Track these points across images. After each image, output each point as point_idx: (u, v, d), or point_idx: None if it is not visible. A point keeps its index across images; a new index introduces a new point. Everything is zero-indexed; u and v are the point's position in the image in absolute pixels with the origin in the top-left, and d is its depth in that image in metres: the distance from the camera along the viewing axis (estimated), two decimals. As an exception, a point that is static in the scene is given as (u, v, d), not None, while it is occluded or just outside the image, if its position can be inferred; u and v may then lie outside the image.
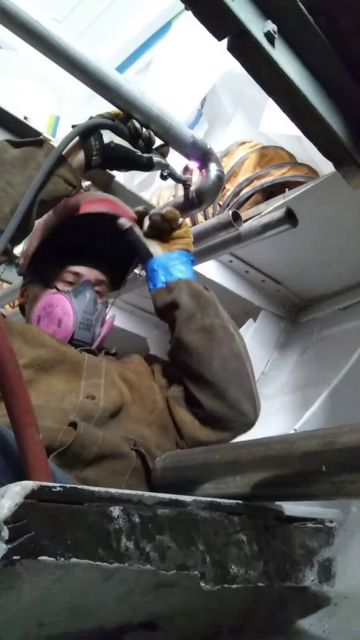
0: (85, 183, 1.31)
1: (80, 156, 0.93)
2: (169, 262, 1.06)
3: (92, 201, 1.08)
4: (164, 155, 1.04)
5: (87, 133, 0.93)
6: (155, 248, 1.07)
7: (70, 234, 1.06)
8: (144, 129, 0.99)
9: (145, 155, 0.99)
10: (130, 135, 0.97)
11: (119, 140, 0.96)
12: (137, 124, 0.97)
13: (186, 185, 1.11)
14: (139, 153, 0.98)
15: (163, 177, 1.05)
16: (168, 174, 1.04)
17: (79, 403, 0.88)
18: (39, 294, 1.08)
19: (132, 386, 0.98)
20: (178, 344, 1.00)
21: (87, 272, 1.08)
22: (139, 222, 1.09)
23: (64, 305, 1.03)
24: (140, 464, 0.84)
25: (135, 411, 0.93)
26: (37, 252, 1.10)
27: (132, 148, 0.97)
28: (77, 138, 0.92)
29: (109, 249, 1.10)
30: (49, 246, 1.08)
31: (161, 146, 1.03)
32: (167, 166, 1.04)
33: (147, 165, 1.00)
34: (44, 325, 1.04)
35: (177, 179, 1.08)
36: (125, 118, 0.98)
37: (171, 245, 1.08)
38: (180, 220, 1.09)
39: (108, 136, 0.95)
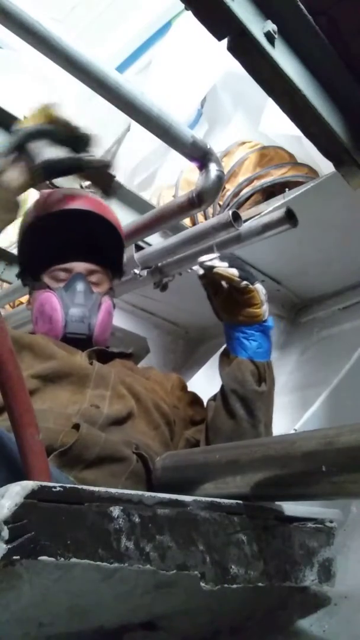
0: (85, 183, 1.31)
1: (18, 177, 0.85)
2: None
3: (74, 198, 1.08)
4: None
5: (18, 148, 0.85)
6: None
7: (53, 232, 1.05)
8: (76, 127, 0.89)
9: (84, 155, 0.91)
10: (65, 138, 0.89)
11: (53, 151, 0.87)
12: (68, 123, 0.88)
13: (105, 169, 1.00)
14: (78, 155, 0.90)
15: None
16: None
17: (82, 409, 0.88)
18: (35, 297, 1.08)
19: (138, 399, 0.96)
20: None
21: (77, 265, 1.07)
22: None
23: (51, 302, 1.03)
24: (139, 467, 0.84)
25: (140, 424, 0.93)
26: (26, 257, 1.10)
27: (69, 153, 0.89)
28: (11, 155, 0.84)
29: (96, 242, 1.10)
30: (37, 248, 1.08)
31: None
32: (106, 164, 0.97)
33: (90, 167, 0.93)
34: (40, 325, 1.04)
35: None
36: (54, 120, 0.88)
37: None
38: (244, 283, 0.91)
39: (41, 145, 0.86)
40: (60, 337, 1.01)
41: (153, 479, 0.81)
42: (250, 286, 0.91)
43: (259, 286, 0.93)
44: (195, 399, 1.10)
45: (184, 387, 1.11)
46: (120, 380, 0.97)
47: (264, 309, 0.94)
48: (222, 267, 0.90)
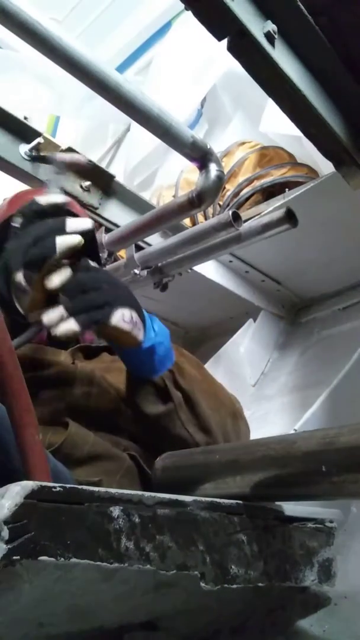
0: (85, 183, 1.31)
1: None
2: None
3: (28, 195, 1.07)
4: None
5: None
6: None
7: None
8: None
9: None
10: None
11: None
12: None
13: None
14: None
15: None
16: None
17: (68, 406, 0.88)
18: None
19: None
20: None
21: None
22: None
23: None
24: (133, 464, 0.84)
25: (127, 420, 0.93)
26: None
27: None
28: None
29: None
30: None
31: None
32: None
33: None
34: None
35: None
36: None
37: None
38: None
39: None
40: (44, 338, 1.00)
41: (153, 479, 0.82)
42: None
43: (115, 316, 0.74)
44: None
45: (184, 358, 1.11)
46: (105, 374, 0.97)
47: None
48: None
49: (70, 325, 0.69)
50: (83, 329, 0.71)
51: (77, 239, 0.71)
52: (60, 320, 0.69)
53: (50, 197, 0.75)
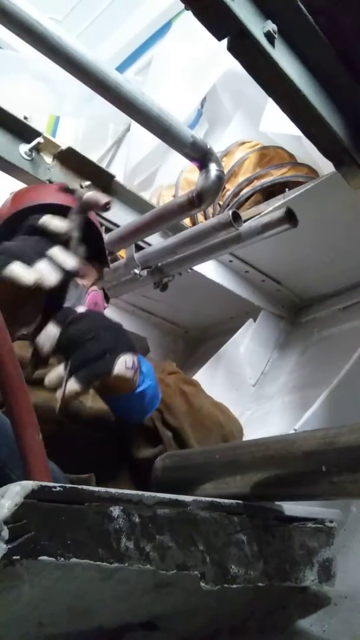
0: (85, 183, 1.31)
1: None
2: None
3: (40, 193, 1.07)
4: None
5: None
6: None
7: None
8: None
9: None
10: None
11: None
12: None
13: None
14: None
15: None
16: None
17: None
18: None
19: None
20: None
21: None
22: None
23: None
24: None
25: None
26: None
27: None
28: None
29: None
30: None
31: None
32: None
33: None
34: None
35: None
36: None
37: None
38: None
39: None
40: None
41: (153, 479, 0.82)
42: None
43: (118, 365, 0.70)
44: (180, 380, 1.09)
45: (172, 372, 1.11)
46: None
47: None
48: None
49: (71, 387, 0.65)
50: (86, 387, 0.66)
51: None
52: (60, 382, 0.65)
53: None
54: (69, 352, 0.67)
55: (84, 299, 1.04)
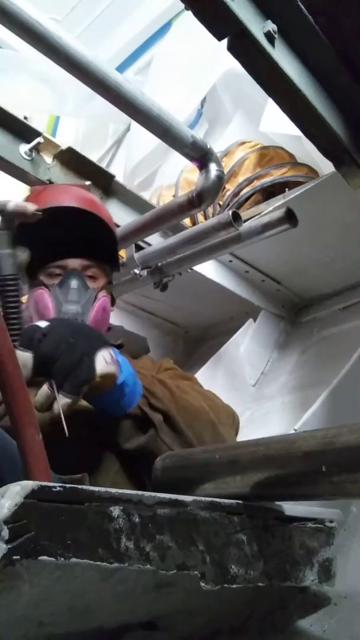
0: (86, 183, 1.31)
1: None
2: None
3: (62, 194, 1.08)
4: None
5: None
6: None
7: (46, 229, 1.06)
8: None
9: None
10: None
11: None
12: None
13: None
14: None
15: None
16: None
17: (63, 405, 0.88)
18: (30, 294, 1.08)
19: None
20: None
21: (71, 262, 1.07)
22: None
23: (43, 299, 1.03)
24: (121, 463, 0.85)
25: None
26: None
27: None
28: None
29: (90, 236, 1.09)
30: (31, 246, 1.08)
31: None
32: None
33: None
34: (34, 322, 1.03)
35: None
36: None
37: None
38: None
39: None
40: None
41: (153, 479, 0.82)
42: None
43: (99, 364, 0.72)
44: (176, 375, 1.09)
45: (168, 368, 1.11)
46: None
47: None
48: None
49: (64, 402, 0.67)
50: (77, 397, 0.68)
51: None
52: (49, 402, 0.67)
53: None
54: (48, 370, 0.68)
55: (94, 304, 1.05)
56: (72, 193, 1.10)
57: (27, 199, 1.10)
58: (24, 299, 1.70)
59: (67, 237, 1.06)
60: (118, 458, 0.88)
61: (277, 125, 1.82)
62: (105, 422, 0.86)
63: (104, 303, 1.08)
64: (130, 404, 0.84)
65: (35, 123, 1.25)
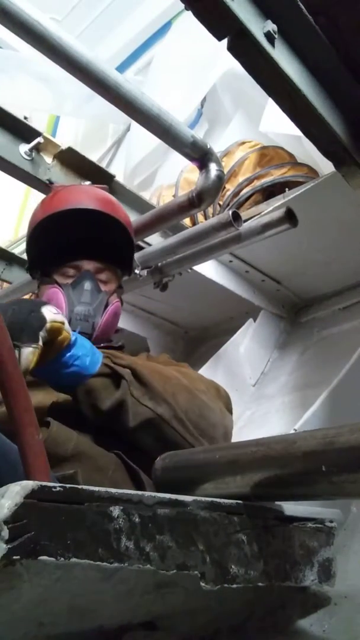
0: (86, 183, 1.31)
1: None
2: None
3: (82, 195, 1.09)
4: None
5: None
6: None
7: (62, 229, 1.06)
8: None
9: None
10: None
11: None
12: None
13: None
14: None
15: None
16: None
17: (59, 402, 0.89)
18: (42, 291, 1.08)
19: None
20: None
21: (86, 263, 1.07)
22: None
23: (57, 299, 1.03)
24: (120, 461, 0.85)
25: None
26: (37, 252, 1.10)
27: None
28: None
29: (106, 238, 1.09)
30: (46, 245, 1.08)
31: None
32: None
33: None
34: None
35: None
36: None
37: None
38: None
39: None
40: None
41: (153, 479, 0.82)
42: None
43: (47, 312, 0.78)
44: (165, 363, 1.09)
45: (166, 362, 1.11)
46: None
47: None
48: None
49: (26, 351, 0.73)
50: (36, 344, 0.74)
51: None
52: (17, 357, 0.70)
53: None
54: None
55: (107, 308, 1.06)
56: (93, 194, 1.11)
57: (47, 197, 1.10)
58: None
59: (83, 238, 1.07)
60: (117, 455, 0.88)
61: (277, 125, 1.82)
62: (84, 392, 0.87)
63: (116, 308, 1.09)
64: (94, 364, 0.87)
65: (35, 123, 1.25)
